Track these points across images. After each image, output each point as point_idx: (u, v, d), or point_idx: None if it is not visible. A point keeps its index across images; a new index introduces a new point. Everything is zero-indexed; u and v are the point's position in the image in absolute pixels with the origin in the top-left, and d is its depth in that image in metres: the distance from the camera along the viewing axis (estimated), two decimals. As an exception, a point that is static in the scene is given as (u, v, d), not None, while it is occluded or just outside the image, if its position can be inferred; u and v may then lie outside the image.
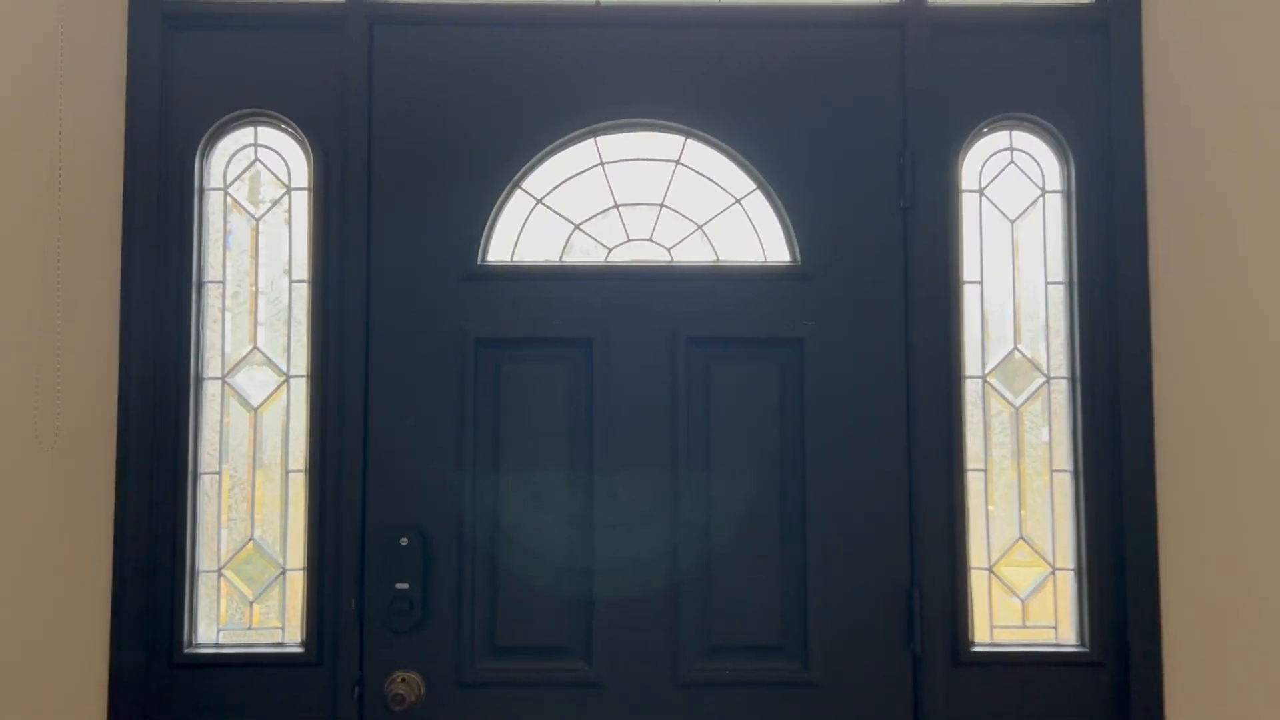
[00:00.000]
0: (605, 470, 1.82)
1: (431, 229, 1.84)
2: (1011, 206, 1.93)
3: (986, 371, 1.94)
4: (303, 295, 1.83)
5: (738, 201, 1.91)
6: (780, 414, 1.85)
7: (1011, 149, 1.98)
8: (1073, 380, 1.87)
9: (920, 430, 1.82)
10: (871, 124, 1.90)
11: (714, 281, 1.85)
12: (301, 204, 1.85)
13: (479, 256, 1.85)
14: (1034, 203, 1.94)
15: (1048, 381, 1.89)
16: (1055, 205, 1.93)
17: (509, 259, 1.87)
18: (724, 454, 1.83)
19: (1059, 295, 1.90)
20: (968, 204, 1.91)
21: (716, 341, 1.83)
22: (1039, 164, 1.97)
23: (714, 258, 1.88)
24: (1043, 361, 1.92)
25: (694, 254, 1.87)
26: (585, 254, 1.86)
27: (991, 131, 1.94)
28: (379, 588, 1.77)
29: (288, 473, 1.82)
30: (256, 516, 1.82)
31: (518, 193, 1.87)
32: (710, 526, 1.83)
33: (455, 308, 1.83)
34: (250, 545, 1.82)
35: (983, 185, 1.97)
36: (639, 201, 1.89)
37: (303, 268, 1.84)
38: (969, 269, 1.90)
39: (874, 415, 1.83)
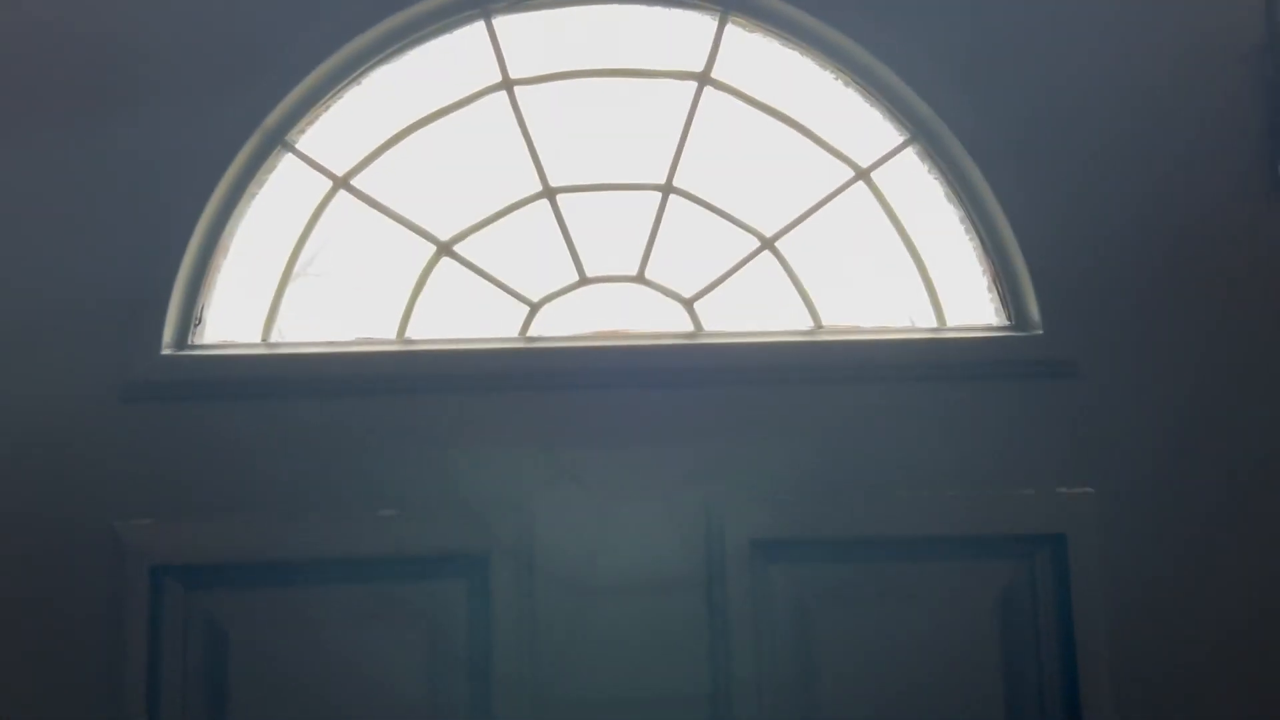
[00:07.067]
0: None
1: (44, 257, 0.83)
2: None
3: None
4: None
5: (861, 177, 0.89)
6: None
7: None
8: None
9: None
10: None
11: (810, 386, 0.85)
12: None
13: (177, 334, 0.86)
14: None
15: None
16: None
17: (256, 337, 0.87)
18: None
19: None
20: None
21: (824, 548, 0.86)
22: None
23: (809, 323, 0.88)
24: None
25: (752, 315, 0.86)
26: (472, 319, 0.85)
27: None
28: None
29: None
30: None
31: (287, 158, 0.89)
32: None
33: (100, 484, 0.85)
34: None
35: None
36: (607, 182, 0.88)
37: None
38: None
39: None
